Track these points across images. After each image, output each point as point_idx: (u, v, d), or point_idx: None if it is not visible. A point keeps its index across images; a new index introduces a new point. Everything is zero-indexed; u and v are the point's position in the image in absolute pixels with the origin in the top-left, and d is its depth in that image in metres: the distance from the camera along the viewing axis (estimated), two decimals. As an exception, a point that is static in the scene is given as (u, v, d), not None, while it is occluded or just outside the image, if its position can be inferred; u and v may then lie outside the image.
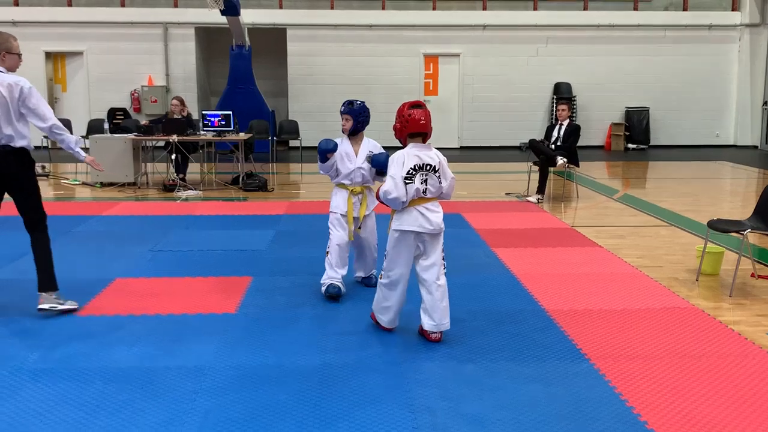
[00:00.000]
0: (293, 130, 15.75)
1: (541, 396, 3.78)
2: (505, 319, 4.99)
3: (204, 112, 11.69)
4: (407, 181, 4.36)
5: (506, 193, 10.53)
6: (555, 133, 10.27)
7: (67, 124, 14.64)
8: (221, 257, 6.70)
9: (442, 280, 4.57)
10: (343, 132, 5.67)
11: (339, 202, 5.57)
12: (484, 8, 17.68)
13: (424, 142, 4.50)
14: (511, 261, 6.56)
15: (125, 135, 11.42)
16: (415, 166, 4.38)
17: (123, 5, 17.11)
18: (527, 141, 11.02)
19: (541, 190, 9.96)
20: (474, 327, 4.82)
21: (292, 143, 16.57)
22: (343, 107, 5.59)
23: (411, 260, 4.53)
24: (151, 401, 3.67)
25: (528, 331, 4.76)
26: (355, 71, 17.21)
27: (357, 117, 5.55)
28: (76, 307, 5.10)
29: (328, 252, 5.53)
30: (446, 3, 17.97)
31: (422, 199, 4.43)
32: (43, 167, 12.25)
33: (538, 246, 7.21)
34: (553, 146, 10.18)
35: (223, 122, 11.42)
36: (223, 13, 13.44)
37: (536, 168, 10.22)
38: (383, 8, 17.47)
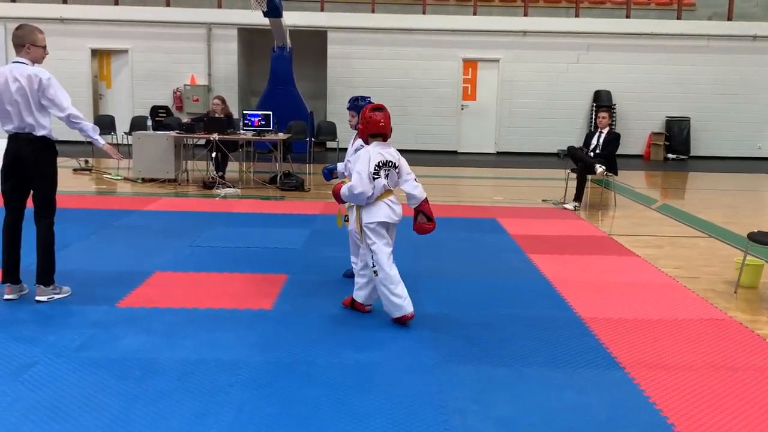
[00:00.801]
0: (331, 131, 15.84)
1: (574, 403, 3.77)
2: (539, 325, 4.98)
3: (245, 112, 11.83)
4: (375, 177, 4.78)
5: (543, 200, 10.49)
6: (594, 141, 10.19)
7: (110, 120, 14.95)
8: (258, 254, 6.79)
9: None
10: (351, 127, 5.73)
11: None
12: (525, 14, 17.62)
13: (384, 141, 4.91)
14: (546, 267, 6.54)
15: (167, 132, 11.61)
16: (379, 162, 4.80)
17: (168, 5, 17.38)
18: (565, 148, 10.97)
19: (578, 197, 9.89)
20: (508, 332, 4.82)
21: (330, 144, 16.67)
22: (349, 103, 5.73)
23: (390, 242, 4.95)
24: (187, 393, 3.74)
25: (562, 337, 4.75)
26: (394, 75, 17.26)
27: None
28: (69, 292, 5.29)
29: None
30: (487, 8, 17.94)
31: (388, 192, 4.87)
32: (86, 161, 12.49)
33: (574, 253, 7.18)
34: (591, 154, 10.11)
35: (263, 122, 11.54)
36: (265, 14, 13.59)
37: (574, 175, 10.16)
38: (423, 13, 17.50)
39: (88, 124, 5.24)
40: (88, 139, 5.38)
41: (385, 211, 4.85)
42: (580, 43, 17.35)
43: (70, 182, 10.92)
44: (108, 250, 6.82)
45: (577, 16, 17.66)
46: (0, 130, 5.14)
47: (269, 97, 15.59)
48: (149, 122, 13.04)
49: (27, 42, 5.07)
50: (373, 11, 17.49)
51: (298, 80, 16.04)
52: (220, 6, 17.20)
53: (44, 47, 5.19)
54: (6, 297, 5.17)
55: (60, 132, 5.23)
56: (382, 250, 4.85)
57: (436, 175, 13.37)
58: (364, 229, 4.87)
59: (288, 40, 15.56)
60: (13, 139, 5.05)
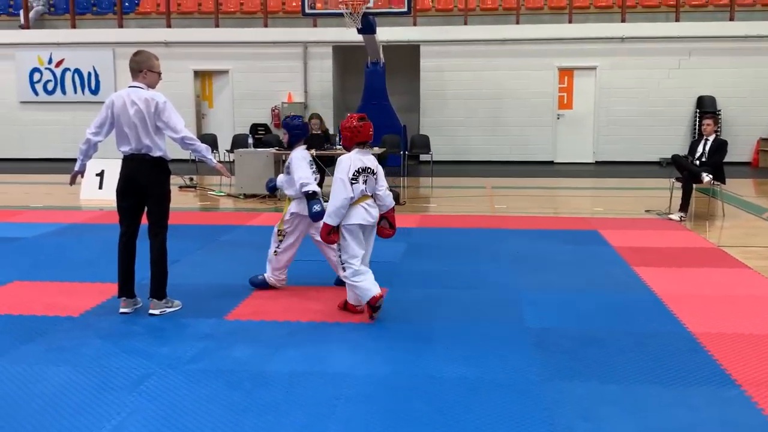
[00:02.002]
0: (424, 144, 15.88)
1: (687, 421, 3.63)
2: (648, 340, 4.82)
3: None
4: (353, 182, 5.12)
5: (646, 210, 10.16)
6: (700, 149, 9.82)
7: (213, 138, 15.51)
8: (357, 268, 6.85)
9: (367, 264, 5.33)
10: (284, 144, 6.15)
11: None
12: (623, 20, 17.19)
13: (366, 148, 5.28)
14: (652, 281, 6.33)
15: (267, 149, 11.93)
16: (359, 168, 5.15)
17: (266, 25, 17.90)
18: (668, 156, 10.61)
19: (684, 207, 9.54)
20: (615, 347, 4.69)
21: (423, 157, 16.72)
22: (283, 122, 6.13)
23: (364, 246, 5.27)
24: (295, 405, 3.81)
25: (672, 353, 4.58)
26: (487, 86, 17.17)
27: (290, 131, 6.04)
28: (180, 306, 5.50)
29: None
30: (582, 15, 17.62)
31: (364, 197, 5.18)
32: (191, 179, 12.98)
33: (681, 266, 6.92)
34: (697, 162, 9.74)
35: (359, 137, 11.66)
36: (360, 31, 13.79)
37: (679, 184, 9.81)
38: (517, 22, 17.35)
39: (202, 146, 5.47)
40: (201, 160, 5.59)
41: (362, 214, 5.18)
42: (681, 47, 16.77)
43: (177, 199, 11.27)
44: (214, 264, 7.05)
45: (677, 20, 17.10)
46: (113, 150, 5.40)
47: (363, 111, 15.65)
48: (250, 140, 13.44)
49: (144, 68, 5.31)
50: (465, 23, 17.47)
51: (391, 94, 16.18)
52: (315, 25, 17.58)
53: (160, 73, 5.43)
54: (121, 310, 5.40)
55: (168, 151, 5.45)
56: (355, 249, 5.18)
57: (533, 186, 13.20)
58: (342, 230, 5.19)
59: (381, 56, 15.73)
60: (129, 160, 5.27)
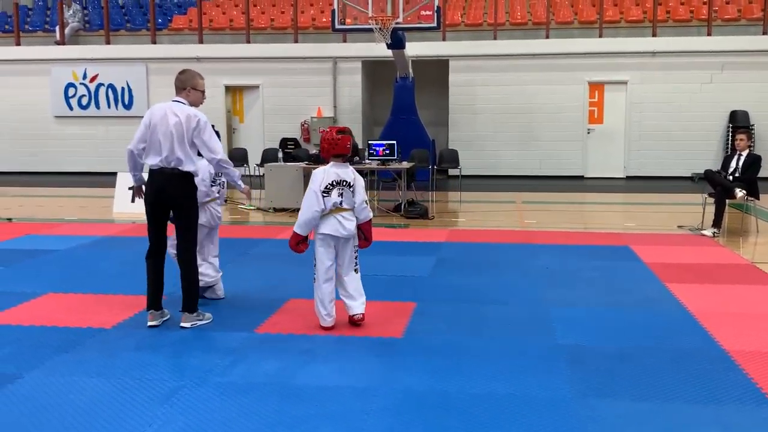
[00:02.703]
0: (453, 158, 15.86)
1: (724, 441, 3.56)
2: (681, 358, 4.75)
3: (370, 142, 12.07)
4: (325, 195, 5.20)
5: (678, 226, 10.04)
6: (733, 164, 9.69)
7: (243, 153, 15.67)
8: (385, 282, 6.86)
9: (353, 275, 5.43)
10: None
11: None
12: (654, 34, 17.07)
13: (343, 162, 5.33)
14: (685, 297, 6.24)
15: (296, 164, 12.01)
16: (333, 182, 5.23)
17: (296, 41, 18.06)
18: (700, 171, 10.48)
19: (717, 223, 9.41)
20: (648, 365, 4.63)
21: (452, 172, 16.69)
22: None
23: (333, 257, 5.35)
24: (325, 418, 3.81)
25: (707, 371, 4.51)
26: (517, 100, 17.12)
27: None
28: (211, 319, 5.54)
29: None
30: (613, 29, 17.52)
31: (339, 209, 5.25)
32: (221, 193, 13.09)
33: (715, 282, 6.82)
34: (730, 177, 9.61)
35: (387, 151, 11.73)
36: (389, 46, 13.86)
37: (711, 200, 9.68)
38: (547, 37, 17.31)
39: (235, 171, 5.57)
40: (231, 183, 5.64)
41: (333, 225, 5.26)
42: (713, 62, 16.59)
43: (207, 212, 11.47)
44: (244, 277, 7.09)
45: (709, 34, 16.92)
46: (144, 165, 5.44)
47: (392, 126, 15.83)
48: (279, 154, 13.53)
49: (189, 86, 5.39)
50: (495, 38, 17.47)
51: (419, 109, 16.21)
52: (345, 40, 17.69)
53: (203, 92, 5.51)
54: (149, 324, 5.41)
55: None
56: (323, 261, 5.31)
57: (563, 201, 13.11)
58: (315, 239, 5.33)
59: (410, 70, 15.78)
60: (158, 173, 5.29)
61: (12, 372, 4.50)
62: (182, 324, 5.41)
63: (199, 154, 5.42)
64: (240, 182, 5.65)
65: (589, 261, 7.74)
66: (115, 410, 3.93)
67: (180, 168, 5.26)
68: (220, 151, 5.39)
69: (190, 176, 5.34)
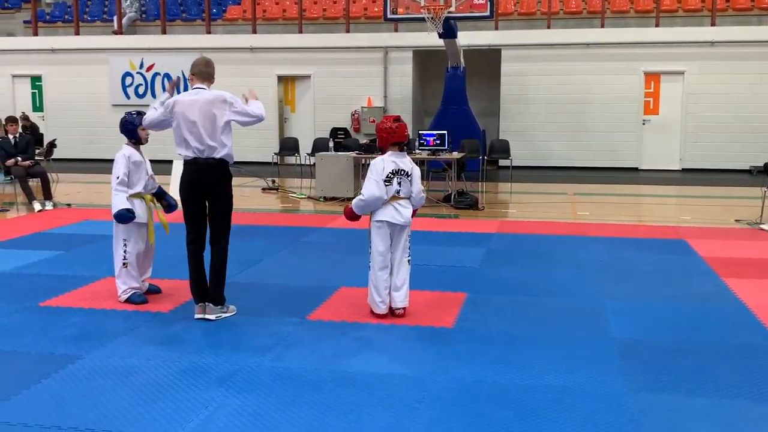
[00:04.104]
0: (504, 149, 15.75)
1: (784, 440, 3.49)
2: (739, 353, 4.66)
3: (420, 132, 12.05)
4: (387, 183, 5.26)
5: (736, 220, 9.80)
6: (795, 156, 9.41)
7: (294, 142, 15.82)
8: (436, 272, 6.86)
9: (404, 266, 5.42)
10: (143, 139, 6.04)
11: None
12: (713, 23, 16.64)
13: (400, 150, 5.36)
14: (744, 292, 6.10)
15: (347, 153, 12.07)
16: (393, 170, 5.28)
17: (348, 31, 18.11)
18: (759, 164, 10.20)
19: (776, 217, 9.17)
20: (705, 360, 4.55)
21: (502, 162, 16.58)
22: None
23: (388, 245, 5.35)
24: (378, 406, 3.84)
25: (764, 367, 4.42)
26: (570, 90, 16.88)
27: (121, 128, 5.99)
28: (235, 311, 5.48)
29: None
30: (670, 19, 17.14)
31: (396, 198, 5.31)
32: (273, 181, 13.23)
33: (774, 278, 6.65)
34: (792, 170, 9.35)
35: (438, 141, 11.70)
36: (441, 36, 13.80)
37: (772, 193, 9.42)
38: (602, 26, 17.02)
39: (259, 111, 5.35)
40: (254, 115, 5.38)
41: (390, 213, 5.30)
42: (774, 51, 16.12)
43: (259, 200, 11.63)
44: (296, 265, 7.18)
45: (771, 22, 16.45)
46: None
47: (442, 116, 15.77)
48: (330, 143, 13.60)
49: (214, 75, 5.42)
50: (548, 27, 17.25)
51: (470, 99, 16.11)
52: (396, 30, 17.68)
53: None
54: (197, 316, 5.38)
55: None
56: (378, 248, 5.33)
57: (617, 193, 12.91)
58: (371, 227, 5.37)
59: (462, 60, 15.69)
60: (192, 163, 5.28)
61: (74, 353, 4.65)
62: (207, 316, 5.34)
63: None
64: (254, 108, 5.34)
65: (644, 254, 7.62)
66: (173, 393, 4.03)
67: (214, 156, 5.25)
68: (259, 107, 5.31)
69: (224, 163, 5.31)
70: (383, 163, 5.31)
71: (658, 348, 4.76)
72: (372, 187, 5.26)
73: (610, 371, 4.36)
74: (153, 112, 5.41)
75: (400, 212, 5.32)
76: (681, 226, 9.39)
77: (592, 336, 5.03)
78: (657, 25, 16.81)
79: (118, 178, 5.82)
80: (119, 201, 5.73)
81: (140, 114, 5.83)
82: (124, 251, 5.81)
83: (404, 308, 5.47)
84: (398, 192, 5.32)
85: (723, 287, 6.31)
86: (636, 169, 16.79)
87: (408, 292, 5.48)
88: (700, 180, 14.84)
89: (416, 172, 5.43)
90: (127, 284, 5.83)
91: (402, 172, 5.32)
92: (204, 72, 5.40)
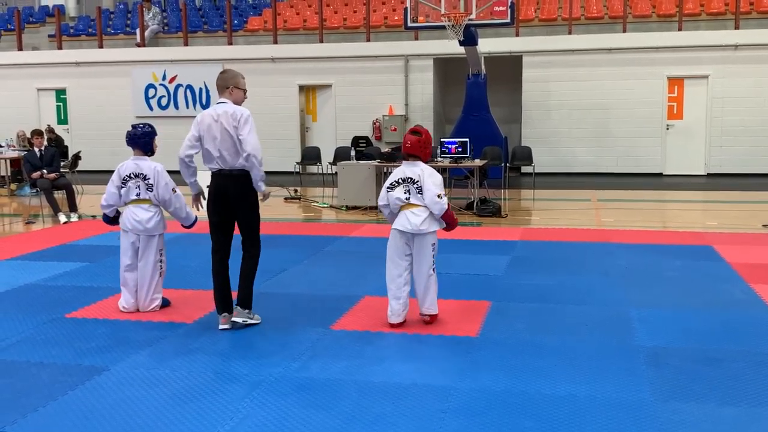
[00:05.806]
0: (526, 156, 15.68)
1: (818, 450, 3.42)
2: (770, 362, 4.58)
3: (442, 140, 12.03)
4: (389, 190, 5.42)
5: (764, 225, 9.67)
6: (823, 160, 9.28)
7: (316, 152, 15.87)
8: (459, 280, 6.83)
9: (428, 276, 5.41)
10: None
11: None
12: (737, 27, 16.46)
13: (412, 161, 5.44)
14: (773, 299, 6.01)
15: (368, 162, 12.07)
16: (398, 179, 5.41)
17: (368, 40, 18.16)
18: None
19: (805, 222, 9.03)
20: (733, 368, 4.47)
21: (525, 169, 16.51)
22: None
23: (402, 254, 5.40)
24: (403, 416, 3.82)
25: (798, 377, 4.33)
26: (592, 96, 16.78)
27: (136, 141, 6.17)
28: (260, 320, 5.50)
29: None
30: (693, 23, 16.99)
31: (409, 205, 5.36)
32: (296, 191, 13.28)
33: (804, 284, 6.54)
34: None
35: (460, 149, 11.68)
36: (461, 43, 13.78)
37: (800, 198, 9.29)
38: (624, 31, 16.91)
39: (260, 172, 5.29)
40: (253, 182, 5.35)
41: (401, 220, 5.39)
42: (800, 54, 15.91)
43: (282, 210, 11.67)
44: (320, 274, 7.18)
45: (796, 25, 16.24)
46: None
47: (464, 123, 15.74)
48: (352, 152, 13.62)
49: (231, 84, 5.40)
50: (570, 32, 17.17)
51: (492, 105, 16.07)
52: (416, 38, 17.69)
53: (245, 91, 5.49)
54: (221, 327, 5.38)
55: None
56: (392, 257, 5.44)
57: (641, 199, 12.79)
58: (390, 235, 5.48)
59: (483, 67, 15.66)
60: (217, 175, 5.35)
61: (100, 365, 4.68)
62: (234, 318, 5.39)
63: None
64: (261, 184, 5.34)
65: (670, 260, 7.53)
66: (199, 403, 4.04)
67: (237, 168, 5.29)
68: (253, 145, 5.20)
69: (247, 173, 5.30)
70: (394, 171, 5.52)
71: (686, 356, 4.70)
72: (381, 193, 5.54)
73: (637, 380, 4.30)
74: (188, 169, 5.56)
75: (410, 220, 5.34)
76: (707, 231, 9.28)
77: (618, 344, 4.97)
78: (680, 29, 16.66)
79: (174, 191, 6.09)
80: (190, 212, 6.06)
81: (148, 125, 6.26)
82: (161, 261, 5.97)
83: (430, 315, 5.46)
84: (407, 199, 5.36)
85: (751, 293, 6.22)
86: (660, 175, 16.63)
87: (435, 300, 5.45)
88: (725, 185, 14.67)
89: (427, 179, 5.33)
90: (160, 293, 5.99)
91: (409, 180, 5.37)
92: (219, 86, 5.45)
